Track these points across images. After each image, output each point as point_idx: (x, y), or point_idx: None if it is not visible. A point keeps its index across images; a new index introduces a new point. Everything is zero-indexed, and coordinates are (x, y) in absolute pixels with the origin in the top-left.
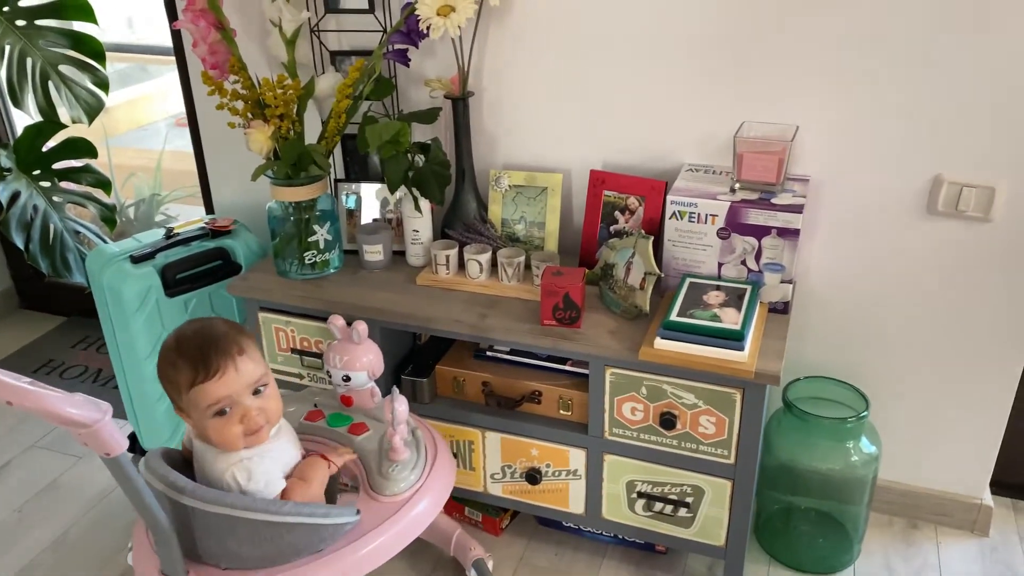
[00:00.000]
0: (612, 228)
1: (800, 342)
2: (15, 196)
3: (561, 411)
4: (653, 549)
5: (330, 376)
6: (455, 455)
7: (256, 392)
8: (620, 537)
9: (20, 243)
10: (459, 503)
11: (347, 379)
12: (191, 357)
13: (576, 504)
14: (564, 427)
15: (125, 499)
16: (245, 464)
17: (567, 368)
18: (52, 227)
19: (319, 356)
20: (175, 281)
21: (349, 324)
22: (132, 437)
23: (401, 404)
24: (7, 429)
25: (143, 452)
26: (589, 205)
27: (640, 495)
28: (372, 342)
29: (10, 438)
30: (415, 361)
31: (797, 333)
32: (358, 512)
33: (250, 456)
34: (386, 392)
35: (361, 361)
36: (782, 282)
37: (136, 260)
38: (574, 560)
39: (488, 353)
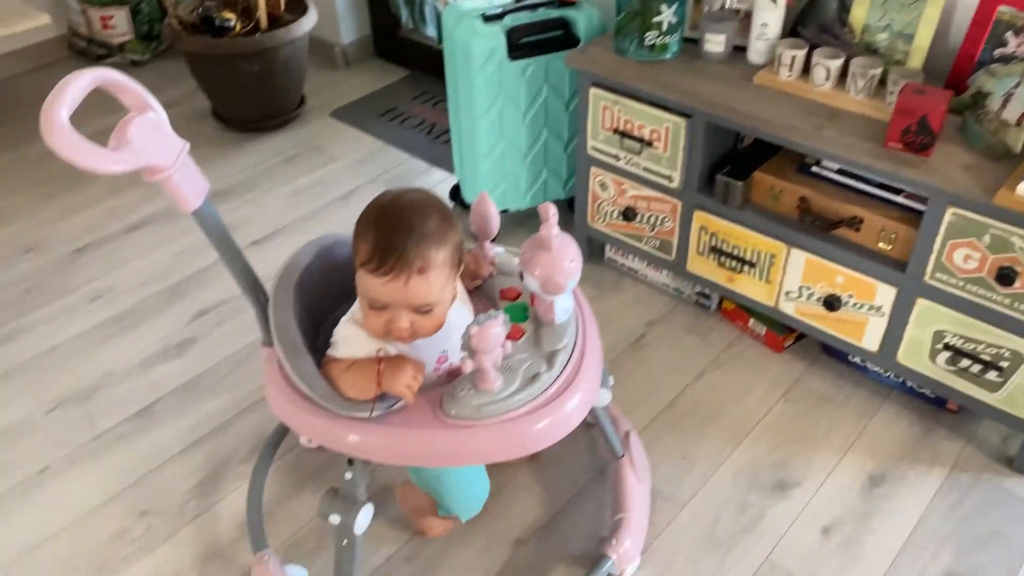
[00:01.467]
0: (997, 52)
1: None
2: None
3: (880, 244)
4: (943, 405)
5: None
6: (751, 264)
7: (419, 311)
8: (908, 384)
9: None
10: (746, 313)
11: (523, 277)
12: (377, 238)
13: (871, 341)
14: (879, 261)
15: None
16: (350, 316)
17: (899, 199)
18: None
19: (639, 140)
20: (518, 45)
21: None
22: (456, 188)
23: (488, 331)
24: (360, 159)
25: (465, 205)
26: (976, 21)
27: (947, 347)
28: (570, 253)
29: (362, 167)
30: (734, 162)
31: None
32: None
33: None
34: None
35: (537, 269)
36: None
37: (487, 19)
38: (852, 395)
39: (814, 168)
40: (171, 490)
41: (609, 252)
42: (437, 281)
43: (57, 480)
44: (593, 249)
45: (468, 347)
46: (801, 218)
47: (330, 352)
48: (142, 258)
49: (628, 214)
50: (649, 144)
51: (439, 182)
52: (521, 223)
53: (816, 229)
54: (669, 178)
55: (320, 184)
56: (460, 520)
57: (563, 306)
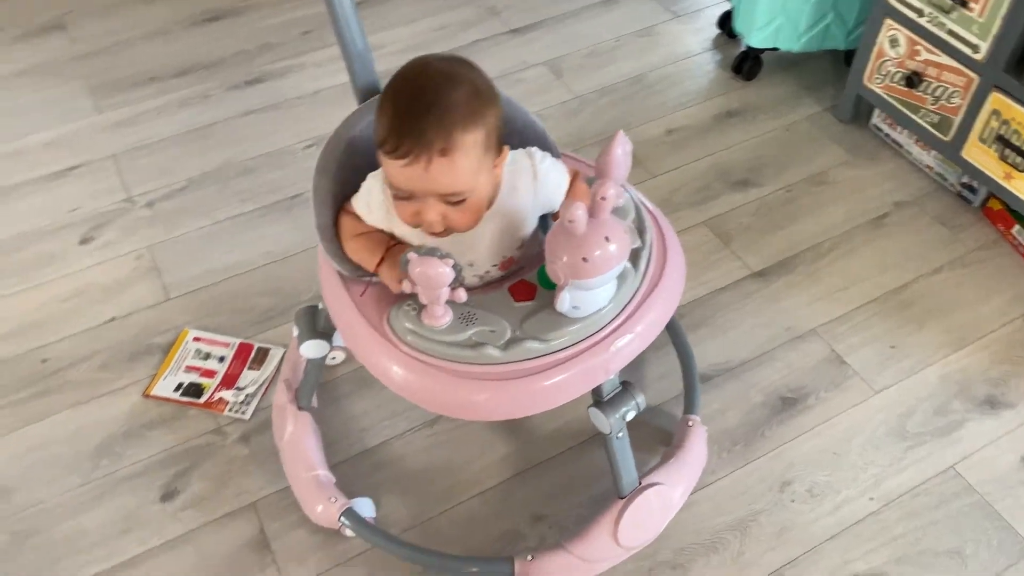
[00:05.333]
0: None
1: None
2: None
3: None
4: None
5: None
6: None
7: (449, 202)
8: None
9: None
10: (1012, 218)
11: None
12: (394, 114)
13: None
14: None
15: (702, 64)
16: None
17: None
18: None
19: None
20: None
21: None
22: (726, 16)
23: (423, 266)
24: None
25: (732, 35)
26: None
27: None
28: (593, 245)
29: None
30: None
31: None
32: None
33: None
34: None
35: (554, 256)
36: None
37: None
38: None
39: None
40: None
41: (876, 118)
42: (465, 165)
43: (304, 209)
44: (860, 111)
45: (405, 270)
46: None
47: (353, 199)
48: (408, 25)
49: (912, 80)
50: (964, 3)
51: (708, 5)
52: (787, 67)
53: None
54: (975, 48)
55: None
56: None
57: (569, 301)
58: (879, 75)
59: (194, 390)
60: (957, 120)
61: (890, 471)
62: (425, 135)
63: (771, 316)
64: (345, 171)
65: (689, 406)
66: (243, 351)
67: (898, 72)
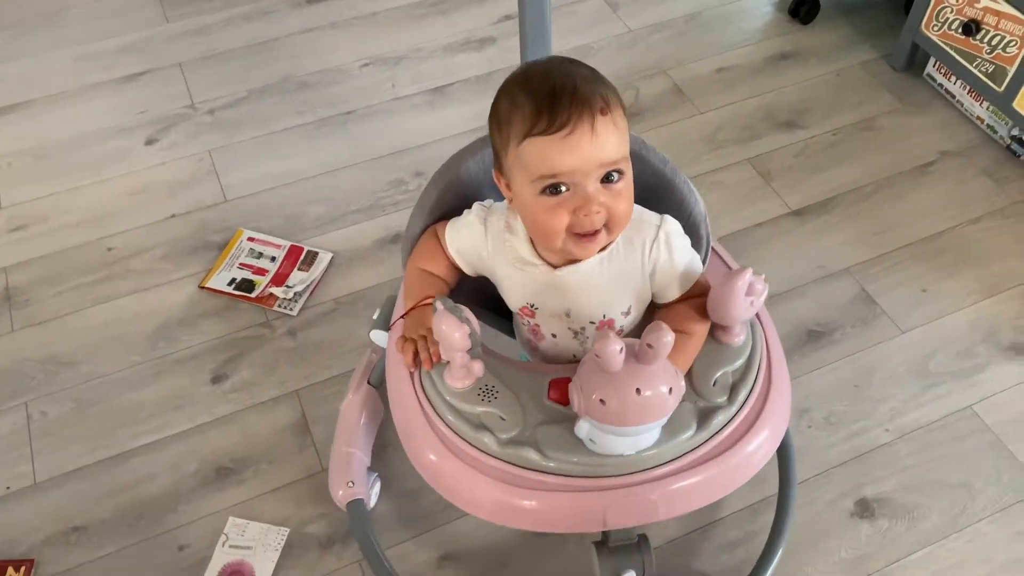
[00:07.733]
0: None
1: None
2: None
3: None
4: None
5: None
6: None
7: (607, 179)
8: None
9: None
10: None
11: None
12: (538, 95)
13: None
14: None
15: (759, 6)
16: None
17: None
18: None
19: None
20: None
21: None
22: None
23: (440, 320)
24: None
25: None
26: None
27: None
28: (643, 385)
29: None
30: None
31: None
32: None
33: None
34: None
35: (584, 395)
36: None
37: None
38: None
39: None
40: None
41: (930, 67)
42: (623, 126)
43: (357, 125)
44: (915, 60)
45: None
46: None
47: (449, 222)
48: None
49: (970, 28)
50: None
51: None
52: (845, 12)
53: None
54: None
55: None
56: None
57: (586, 432)
58: (937, 22)
59: (246, 285)
60: (1012, 70)
61: (908, 406)
62: (582, 96)
63: (805, 254)
64: (456, 190)
65: None
66: (293, 253)
67: (956, 19)
